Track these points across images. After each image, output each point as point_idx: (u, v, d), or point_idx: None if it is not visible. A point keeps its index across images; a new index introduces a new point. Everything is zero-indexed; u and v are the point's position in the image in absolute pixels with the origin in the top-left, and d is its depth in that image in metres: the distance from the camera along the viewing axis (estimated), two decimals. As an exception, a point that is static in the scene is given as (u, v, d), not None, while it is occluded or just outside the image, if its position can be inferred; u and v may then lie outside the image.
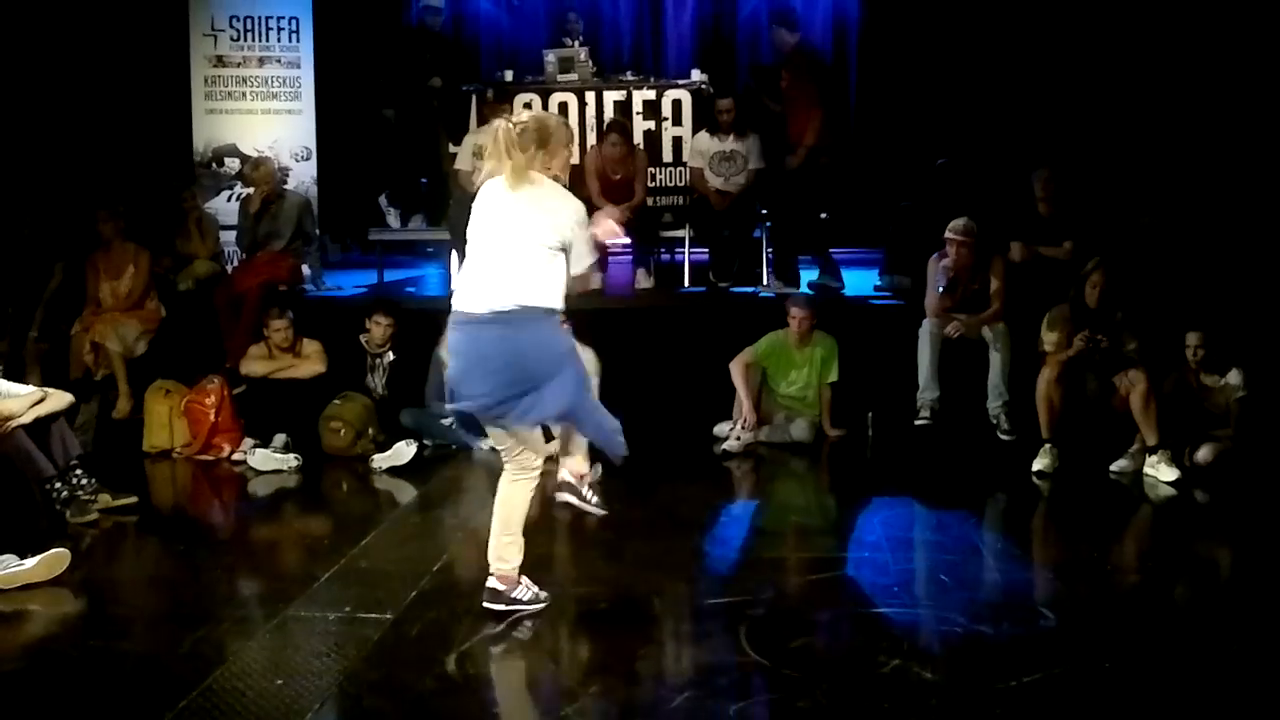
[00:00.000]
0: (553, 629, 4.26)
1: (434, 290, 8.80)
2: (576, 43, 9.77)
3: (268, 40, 9.70)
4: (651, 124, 9.24)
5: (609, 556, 5.05)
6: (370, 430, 7.09)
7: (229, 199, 9.51)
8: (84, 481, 5.79)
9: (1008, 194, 8.10)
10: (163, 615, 4.60)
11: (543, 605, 4.33)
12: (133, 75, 9.45)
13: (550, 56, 9.42)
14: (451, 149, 9.14)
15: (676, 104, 9.26)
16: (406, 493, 6.43)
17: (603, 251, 4.68)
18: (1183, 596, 4.69)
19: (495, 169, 4.21)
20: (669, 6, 11.39)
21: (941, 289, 7.25)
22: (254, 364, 7.24)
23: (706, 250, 8.70)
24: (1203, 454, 6.45)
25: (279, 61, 9.72)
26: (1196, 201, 8.31)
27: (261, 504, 6.48)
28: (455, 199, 8.29)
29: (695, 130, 8.95)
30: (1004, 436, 7.04)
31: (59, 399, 5.94)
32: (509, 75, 9.53)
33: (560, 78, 9.29)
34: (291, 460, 6.84)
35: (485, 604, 4.31)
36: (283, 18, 9.70)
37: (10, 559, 4.75)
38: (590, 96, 9.25)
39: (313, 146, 9.74)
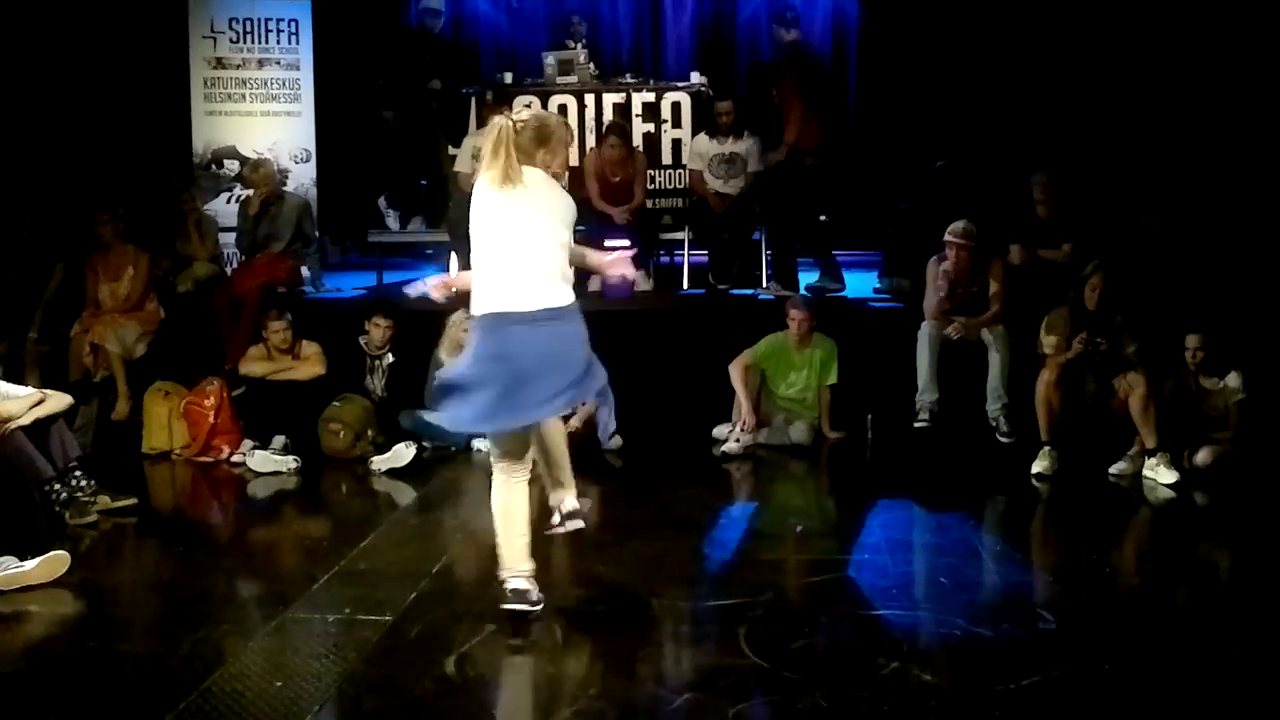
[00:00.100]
0: (552, 631, 4.25)
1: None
2: (580, 45, 9.78)
3: (267, 42, 9.71)
4: (651, 126, 9.25)
5: (608, 558, 5.05)
6: (369, 432, 7.08)
7: (228, 201, 9.52)
8: (83, 483, 5.79)
9: (1007, 196, 8.11)
10: (162, 617, 4.60)
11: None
12: (132, 77, 9.47)
13: (549, 59, 9.44)
14: (451, 151, 9.14)
15: (676, 106, 9.27)
16: (405, 494, 6.43)
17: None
18: (1182, 599, 4.69)
19: (492, 164, 4.20)
20: (668, 9, 11.40)
21: (943, 294, 7.24)
22: (253, 365, 7.24)
23: (706, 252, 8.71)
24: (1202, 456, 6.45)
25: (278, 63, 9.73)
26: (1196, 204, 8.32)
27: (261, 506, 6.48)
28: (455, 201, 8.29)
29: (694, 132, 8.96)
30: (1003, 439, 7.04)
31: (58, 400, 5.94)
32: (508, 77, 9.54)
33: (559, 80, 9.30)
34: (291, 462, 6.83)
35: (512, 606, 4.24)
36: (282, 20, 9.71)
37: (10, 561, 4.75)
38: (589, 99, 9.26)
39: (312, 148, 9.75)
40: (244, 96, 9.71)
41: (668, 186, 9.19)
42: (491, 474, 4.34)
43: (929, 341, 7.21)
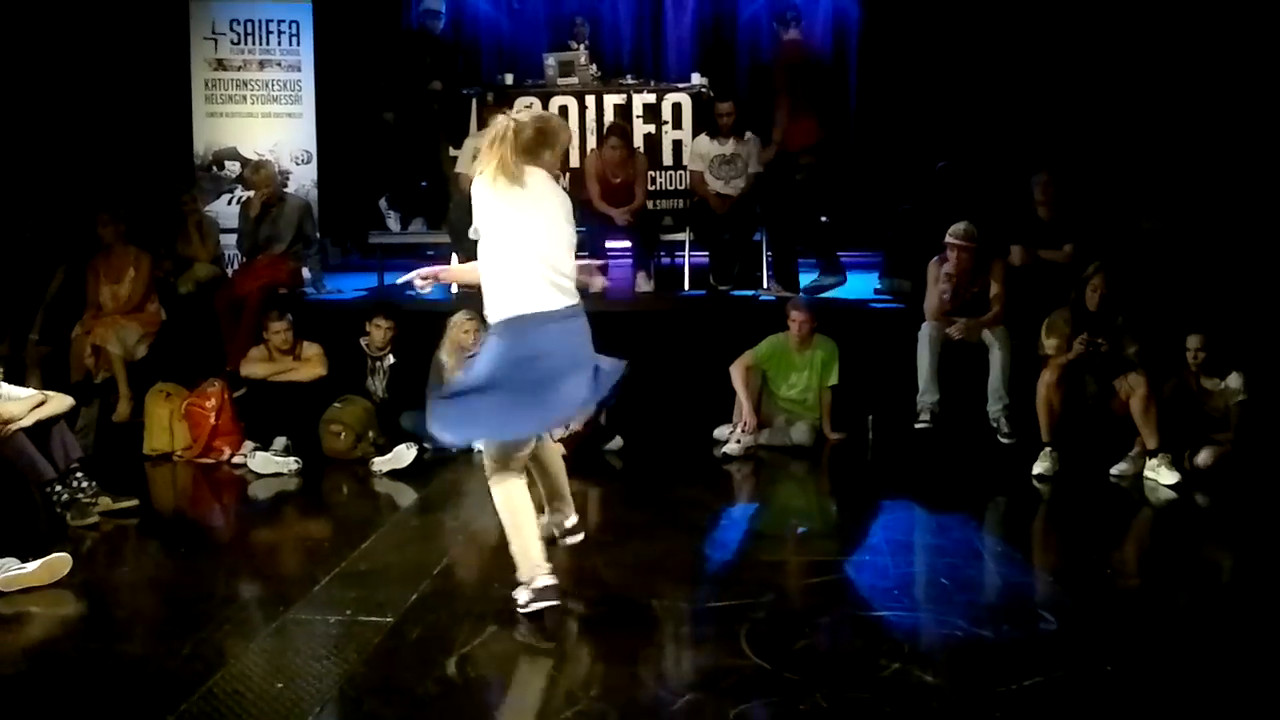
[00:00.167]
0: (553, 632, 4.25)
1: (434, 294, 8.78)
2: (583, 46, 9.78)
3: (268, 44, 9.72)
4: (651, 127, 9.26)
5: (609, 559, 5.05)
6: (370, 433, 7.09)
7: (229, 202, 9.53)
8: (84, 484, 5.79)
9: (1007, 197, 8.11)
10: (163, 618, 4.60)
11: None
12: (133, 78, 9.47)
13: (550, 60, 9.44)
14: (452, 152, 9.15)
15: (676, 107, 9.28)
16: (407, 496, 6.43)
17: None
18: (1183, 600, 4.69)
19: (488, 162, 4.20)
20: (669, 10, 11.40)
21: (946, 296, 7.23)
22: (254, 366, 7.24)
23: (706, 253, 8.72)
24: (1203, 457, 6.45)
25: (279, 65, 9.74)
26: (1196, 204, 8.32)
27: (262, 507, 6.48)
28: (455, 202, 8.29)
29: (695, 133, 8.97)
30: (1004, 440, 7.04)
31: (59, 402, 5.95)
32: (509, 79, 9.55)
33: (560, 81, 9.30)
34: (292, 463, 6.84)
35: (544, 604, 4.23)
36: (283, 21, 9.72)
37: (11, 562, 4.76)
38: (590, 100, 9.27)
39: (313, 150, 9.76)
40: (245, 98, 9.72)
41: (668, 187, 9.20)
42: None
43: (929, 342, 7.21)
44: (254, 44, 9.70)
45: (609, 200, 8.48)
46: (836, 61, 10.73)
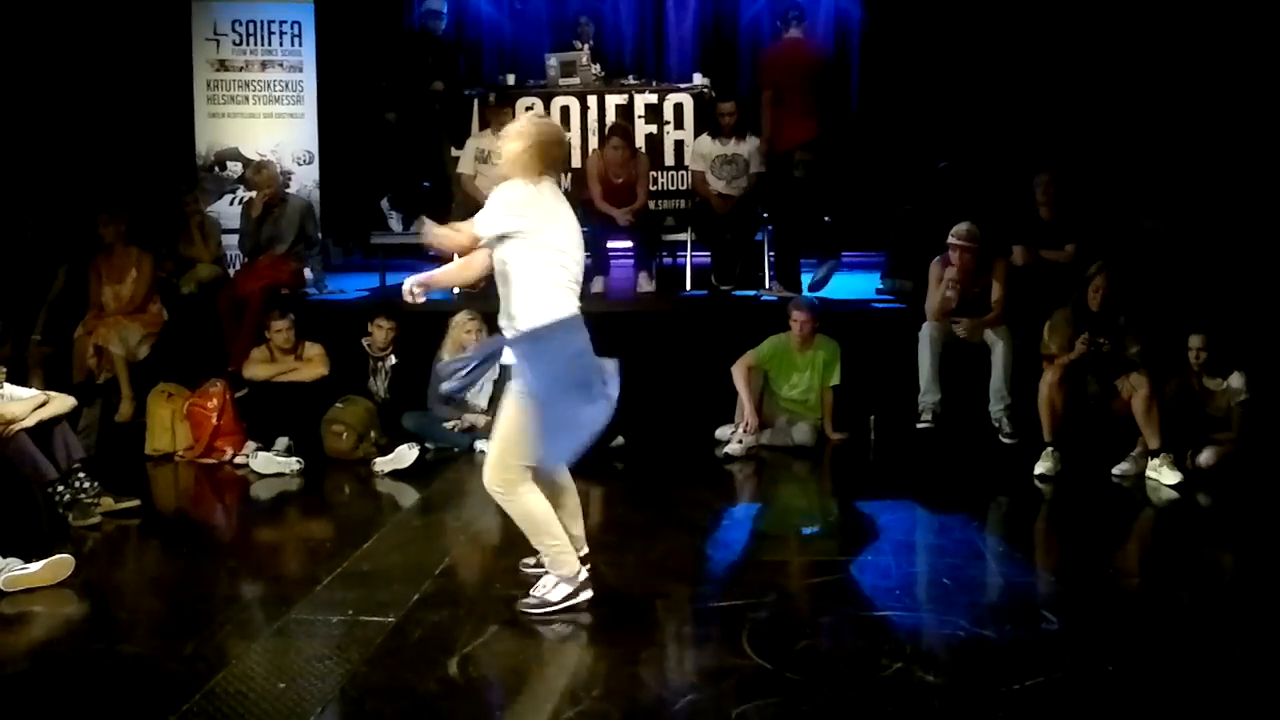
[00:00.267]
0: (555, 632, 4.26)
1: (436, 294, 8.79)
2: (587, 46, 9.78)
3: (270, 44, 9.72)
4: (653, 127, 9.27)
5: (611, 559, 5.04)
6: (372, 433, 7.09)
7: (231, 203, 9.53)
8: (86, 485, 5.79)
9: (1009, 197, 8.11)
10: (165, 618, 4.60)
11: None
12: (135, 79, 9.47)
13: (552, 60, 9.45)
14: (454, 153, 9.15)
15: (678, 107, 9.29)
16: (408, 496, 6.43)
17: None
18: (1185, 600, 4.68)
19: (550, 172, 4.33)
20: (671, 10, 11.39)
21: (951, 298, 7.21)
22: (256, 368, 7.25)
23: (708, 253, 8.71)
24: (1205, 457, 6.45)
25: (281, 65, 9.74)
26: (1198, 204, 8.31)
27: (263, 507, 6.48)
28: (457, 202, 8.31)
29: (697, 134, 8.98)
30: (1006, 440, 7.04)
31: (61, 402, 5.96)
32: (511, 79, 9.55)
33: (562, 81, 9.31)
34: (294, 463, 6.84)
35: (580, 597, 4.36)
36: (285, 22, 9.72)
37: (14, 562, 4.76)
38: (592, 100, 9.28)
39: (315, 150, 9.76)
40: (247, 98, 9.72)
41: (670, 188, 9.21)
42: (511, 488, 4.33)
43: (930, 342, 7.20)
44: (256, 44, 9.71)
45: (611, 200, 8.48)
46: (838, 61, 10.73)
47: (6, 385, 5.88)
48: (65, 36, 9.19)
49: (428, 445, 7.05)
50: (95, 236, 7.75)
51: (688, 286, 8.72)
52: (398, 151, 9.51)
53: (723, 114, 8.55)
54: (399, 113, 9.38)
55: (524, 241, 4.22)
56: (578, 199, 7.16)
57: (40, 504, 5.76)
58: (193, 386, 7.29)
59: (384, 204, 9.58)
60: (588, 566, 4.63)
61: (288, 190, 8.78)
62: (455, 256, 4.72)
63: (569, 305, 4.27)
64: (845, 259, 8.83)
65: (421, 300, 4.47)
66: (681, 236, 8.83)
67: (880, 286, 8.75)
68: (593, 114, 9.26)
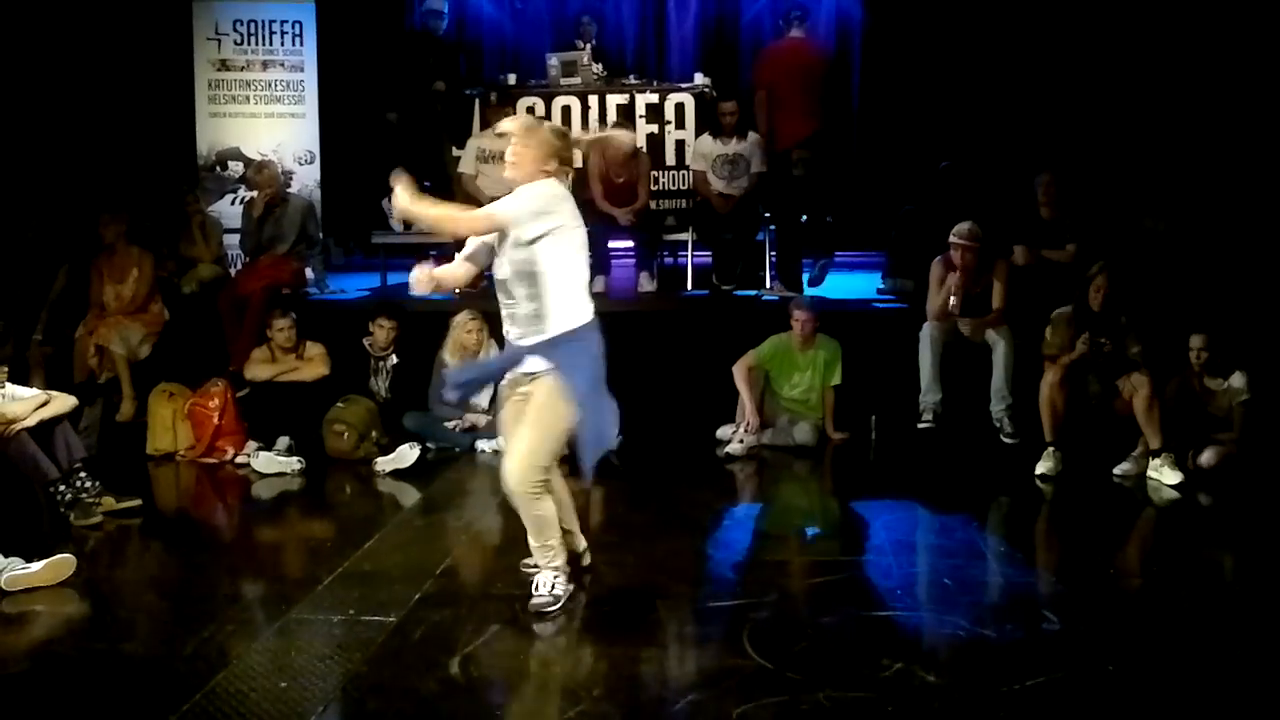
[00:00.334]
0: (556, 631, 4.26)
1: (437, 294, 8.80)
2: (589, 45, 9.78)
3: (271, 44, 9.72)
4: (654, 127, 9.26)
5: (612, 559, 5.05)
6: (373, 433, 7.09)
7: (232, 202, 9.54)
8: (88, 484, 5.80)
9: (1010, 197, 8.11)
10: (166, 618, 4.60)
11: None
12: (137, 79, 9.47)
13: (553, 60, 9.44)
14: (455, 152, 9.15)
15: (679, 107, 9.29)
16: (409, 496, 6.43)
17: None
18: (1186, 600, 4.68)
19: (562, 172, 4.36)
20: (672, 10, 11.40)
21: (955, 299, 7.20)
22: (257, 368, 7.25)
23: (709, 253, 8.72)
24: (1206, 457, 6.45)
25: (282, 65, 9.74)
26: (1200, 204, 8.31)
27: (265, 507, 6.48)
28: (458, 202, 8.29)
29: (698, 133, 8.98)
30: (1007, 440, 7.04)
31: (63, 402, 5.96)
32: (512, 79, 9.55)
33: (563, 81, 9.30)
34: (295, 463, 6.84)
35: (558, 607, 4.36)
36: (286, 22, 9.72)
37: (15, 562, 4.76)
38: (593, 100, 9.27)
39: (316, 150, 9.76)
40: (248, 98, 9.73)
41: (671, 187, 9.20)
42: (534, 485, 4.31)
43: (930, 342, 7.21)
44: (257, 44, 9.71)
45: (612, 200, 8.48)
46: (840, 61, 10.73)
47: (8, 385, 5.89)
48: (66, 36, 9.19)
49: (429, 445, 7.06)
50: (96, 236, 7.76)
51: (689, 286, 8.72)
52: (399, 151, 9.49)
53: (724, 114, 8.55)
54: (400, 113, 9.38)
55: (557, 241, 4.22)
56: (579, 199, 7.13)
57: (41, 504, 5.76)
58: (194, 386, 7.29)
59: (385, 204, 9.55)
60: (588, 563, 4.69)
61: (289, 190, 8.78)
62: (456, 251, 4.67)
63: (590, 310, 4.32)
64: (845, 259, 8.83)
65: (427, 290, 4.44)
66: (683, 236, 8.83)
67: (881, 286, 8.76)
68: (594, 114, 9.25)
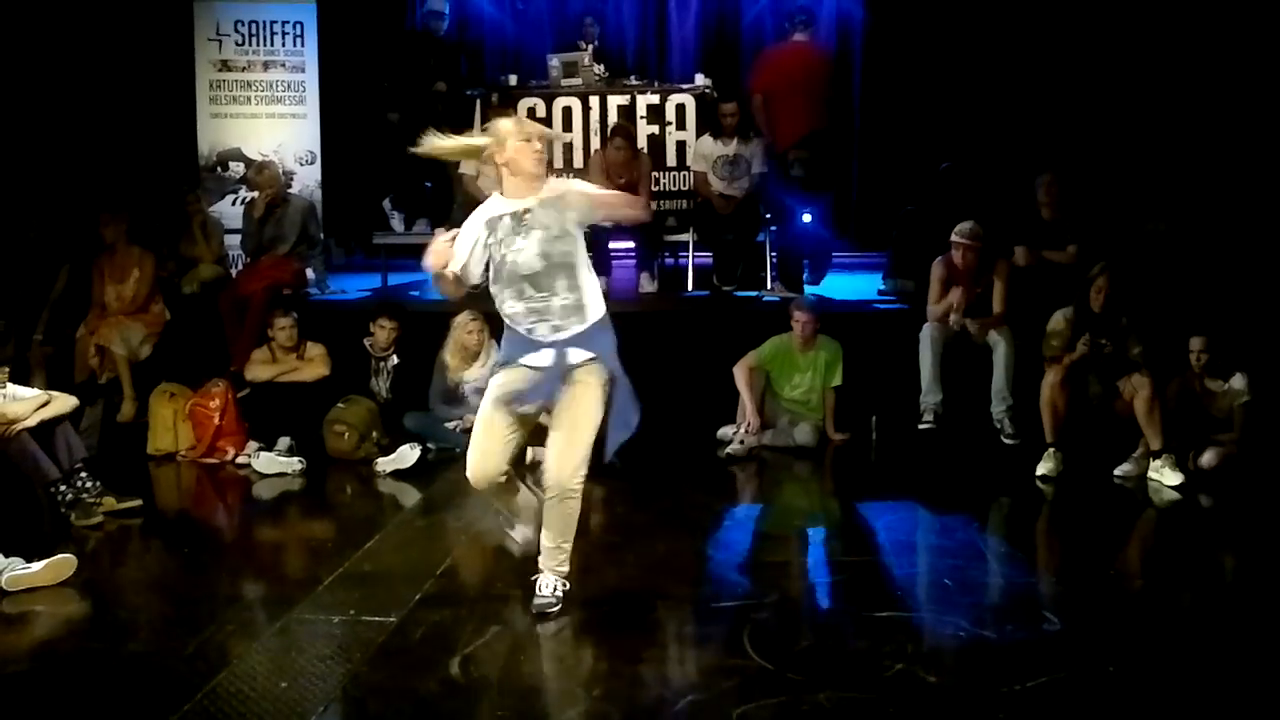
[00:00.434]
0: (556, 632, 4.26)
1: (438, 294, 8.79)
2: (590, 46, 9.78)
3: (272, 44, 9.72)
4: (655, 128, 9.26)
5: (612, 559, 5.05)
6: (374, 434, 7.10)
7: (233, 203, 9.54)
8: (89, 484, 5.80)
9: (1011, 198, 8.11)
10: (166, 618, 4.60)
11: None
12: (138, 79, 9.48)
13: (554, 61, 9.44)
14: (456, 153, 9.13)
15: (680, 108, 9.28)
16: (410, 496, 6.43)
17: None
18: (1187, 601, 4.69)
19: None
20: (673, 11, 11.40)
21: (959, 301, 7.20)
22: (257, 369, 7.25)
23: (710, 254, 8.72)
24: (1207, 458, 6.45)
25: (283, 66, 9.74)
26: (1201, 206, 8.31)
27: (265, 507, 6.48)
28: (459, 203, 8.30)
29: (699, 134, 8.97)
30: (1008, 441, 7.03)
31: (63, 402, 5.96)
32: (513, 79, 9.55)
33: (564, 82, 9.30)
34: (295, 463, 6.84)
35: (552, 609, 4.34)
36: (287, 22, 9.72)
37: (16, 562, 4.77)
38: (594, 101, 9.27)
39: (317, 150, 9.76)
40: (249, 99, 9.73)
41: (672, 188, 9.20)
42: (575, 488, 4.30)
43: (931, 343, 7.21)
44: (258, 45, 9.71)
45: (613, 201, 8.46)
46: (841, 63, 10.73)
47: (9, 385, 5.89)
48: (68, 37, 9.19)
49: (429, 445, 7.05)
50: (97, 236, 7.77)
51: (689, 287, 8.72)
52: (400, 152, 9.50)
53: (724, 114, 8.55)
54: (401, 113, 9.37)
55: (582, 235, 4.31)
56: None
57: (42, 504, 5.76)
58: (195, 386, 7.29)
59: (386, 204, 9.58)
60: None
61: (290, 190, 8.79)
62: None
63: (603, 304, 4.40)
64: (845, 259, 8.83)
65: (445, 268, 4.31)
66: (683, 237, 8.83)
67: (882, 287, 8.75)
68: (595, 114, 9.25)
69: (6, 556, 4.78)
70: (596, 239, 7.87)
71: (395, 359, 7.42)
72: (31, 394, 5.91)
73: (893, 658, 3.94)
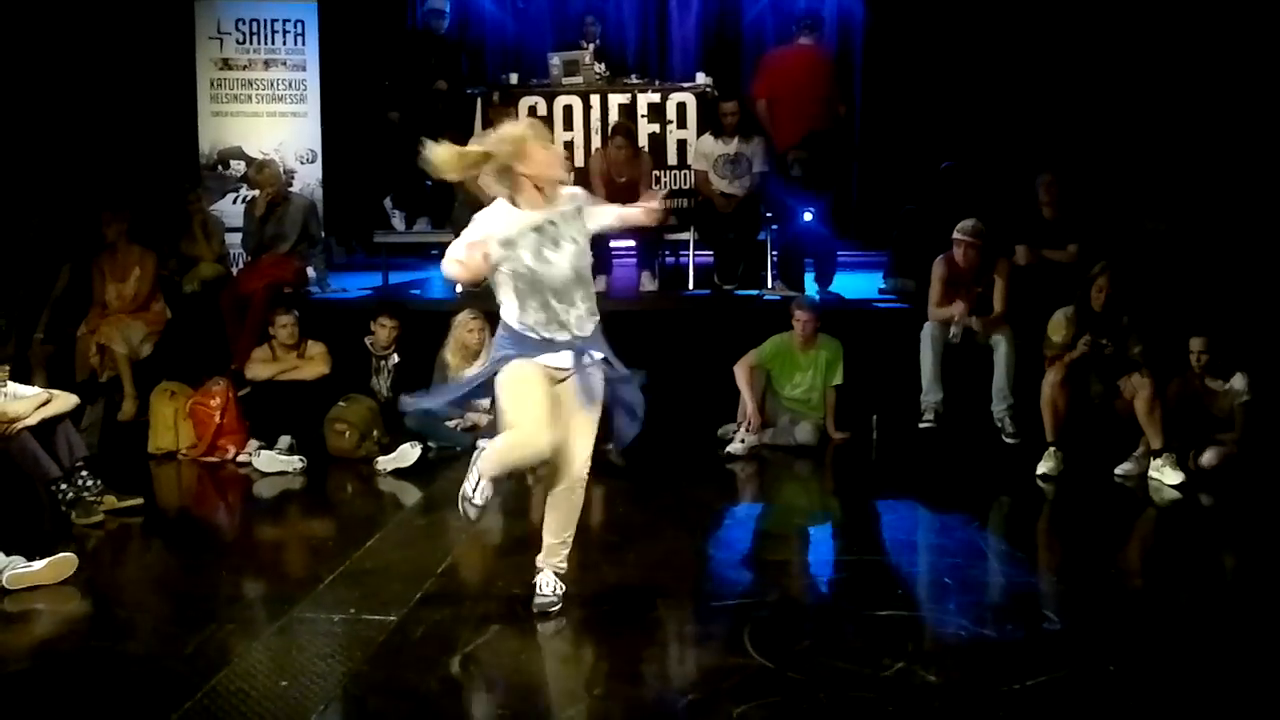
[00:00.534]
0: (557, 631, 4.26)
1: (439, 293, 8.81)
2: (593, 45, 9.78)
3: (273, 43, 9.72)
4: (656, 127, 9.26)
5: (613, 559, 5.06)
6: (375, 432, 7.10)
7: (234, 201, 9.54)
8: (89, 483, 5.80)
9: (1012, 197, 8.11)
10: (167, 617, 4.61)
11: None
12: (139, 78, 9.47)
13: (555, 59, 9.44)
14: (457, 152, 9.13)
15: (681, 107, 9.28)
16: (410, 495, 6.44)
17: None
18: (1187, 600, 4.68)
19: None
20: (674, 9, 11.40)
21: (955, 331, 7.19)
22: (258, 368, 7.26)
23: (711, 253, 8.72)
24: (1207, 458, 6.45)
25: (284, 64, 9.74)
26: (1201, 205, 8.31)
27: (266, 506, 6.49)
28: (460, 201, 8.28)
29: (700, 133, 8.97)
30: (1008, 440, 7.04)
31: (64, 401, 5.96)
32: (514, 78, 9.54)
33: (565, 81, 9.30)
34: (296, 462, 6.84)
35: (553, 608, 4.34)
36: (288, 21, 9.72)
37: (17, 560, 4.77)
38: (595, 99, 9.27)
39: (318, 149, 9.76)
40: (250, 97, 9.73)
41: (673, 187, 9.20)
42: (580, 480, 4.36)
43: (931, 342, 7.21)
44: (259, 43, 9.71)
45: (613, 200, 8.34)
46: (841, 62, 10.73)
47: (10, 383, 5.89)
48: (69, 35, 9.19)
49: (430, 444, 7.05)
50: (98, 235, 7.77)
51: (690, 286, 8.72)
52: (400, 150, 9.50)
53: (725, 113, 8.55)
54: (402, 112, 9.38)
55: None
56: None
57: (43, 502, 5.76)
58: (195, 385, 7.30)
59: (387, 203, 9.59)
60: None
61: (291, 189, 8.78)
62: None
63: None
64: (846, 258, 8.83)
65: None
66: (684, 236, 8.83)
67: (883, 286, 8.75)
68: (595, 113, 9.25)
69: (7, 555, 4.78)
70: (597, 238, 7.88)
71: (396, 357, 7.43)
72: (32, 392, 5.91)
73: (893, 657, 3.94)
